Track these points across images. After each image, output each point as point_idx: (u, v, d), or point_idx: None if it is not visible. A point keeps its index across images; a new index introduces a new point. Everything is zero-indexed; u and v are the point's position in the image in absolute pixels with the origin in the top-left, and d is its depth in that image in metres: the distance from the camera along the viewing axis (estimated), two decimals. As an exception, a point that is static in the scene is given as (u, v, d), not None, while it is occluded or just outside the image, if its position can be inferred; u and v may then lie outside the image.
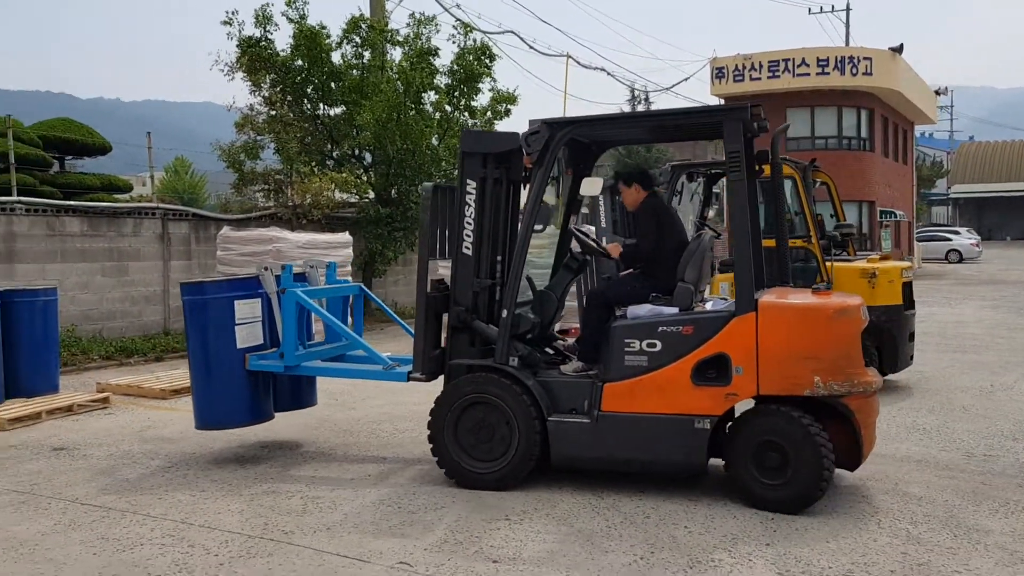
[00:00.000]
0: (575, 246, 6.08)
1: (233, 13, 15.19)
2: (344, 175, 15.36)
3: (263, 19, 15.41)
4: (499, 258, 5.87)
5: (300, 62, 15.50)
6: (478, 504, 5.24)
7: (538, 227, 5.72)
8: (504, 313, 5.54)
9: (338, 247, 12.39)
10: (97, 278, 12.31)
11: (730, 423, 5.28)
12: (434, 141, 15.64)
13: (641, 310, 5.48)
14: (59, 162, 18.14)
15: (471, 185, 5.74)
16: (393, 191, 15.97)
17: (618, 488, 5.49)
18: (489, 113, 16.38)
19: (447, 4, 21.44)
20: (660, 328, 5.26)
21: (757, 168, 5.79)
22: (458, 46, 16.13)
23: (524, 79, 32.93)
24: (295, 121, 15.63)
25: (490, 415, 5.48)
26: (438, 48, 15.70)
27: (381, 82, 14.95)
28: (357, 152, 16.59)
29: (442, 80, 16.00)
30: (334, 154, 16.59)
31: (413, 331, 6.02)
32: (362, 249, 15.72)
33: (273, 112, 15.72)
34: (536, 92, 26.75)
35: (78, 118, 19.81)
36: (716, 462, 5.38)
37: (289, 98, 15.87)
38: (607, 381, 5.34)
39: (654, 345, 5.26)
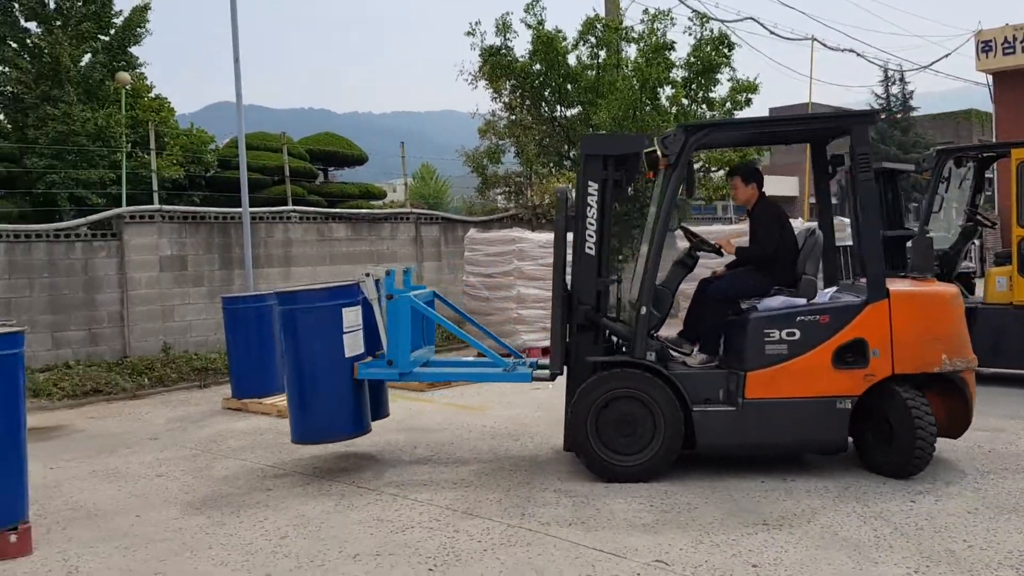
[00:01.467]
0: (686, 243, 6.32)
1: (476, 24, 15.90)
2: (581, 175, 15.58)
3: (503, 28, 15.98)
4: (620, 257, 6.02)
5: (538, 66, 15.91)
6: (733, 508, 5.13)
7: (671, 227, 5.99)
8: (643, 310, 5.72)
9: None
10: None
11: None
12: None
13: (773, 302, 5.83)
14: (323, 173, 19.80)
15: (593, 187, 5.88)
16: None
17: (886, 498, 5.17)
18: (728, 104, 15.95)
19: (682, -3, 21.08)
20: (798, 318, 5.66)
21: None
22: (694, 37, 15.85)
23: (765, 67, 31.75)
24: (534, 124, 16.07)
25: (632, 409, 5.63)
26: (674, 42, 15.50)
27: (616, 80, 15.02)
28: (594, 152, 16.75)
29: (678, 74, 15.79)
30: (571, 154, 16.87)
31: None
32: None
33: (513, 116, 16.26)
34: (778, 79, 25.73)
35: (336, 132, 21.52)
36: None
37: (528, 102, 16.34)
38: (748, 370, 5.63)
39: (793, 334, 5.64)
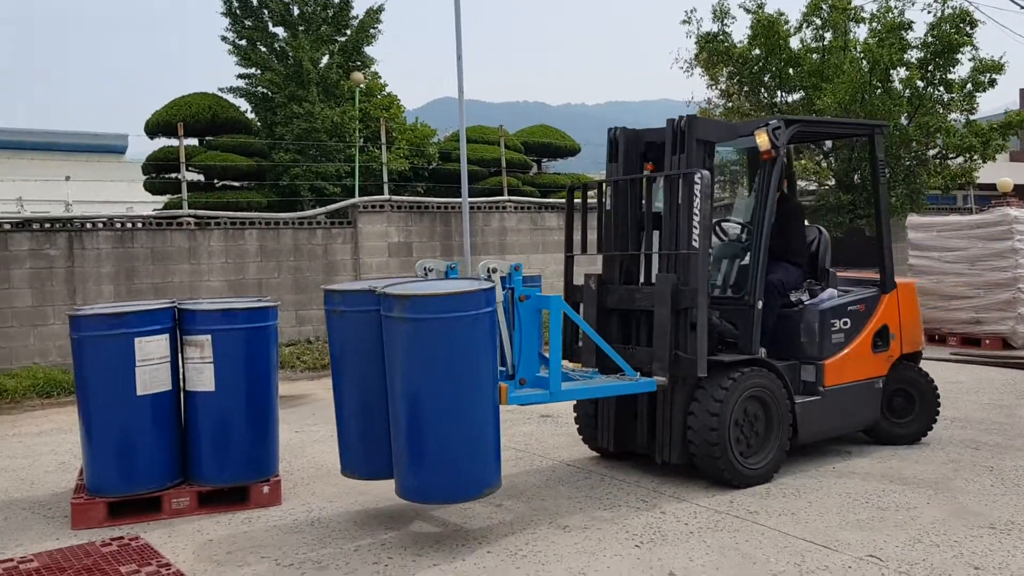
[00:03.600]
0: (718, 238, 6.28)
1: (691, 12, 15.69)
2: (803, 162, 15.02)
3: (720, 14, 15.66)
4: (710, 251, 5.53)
5: (757, 51, 15.47)
6: (957, 509, 4.87)
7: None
8: (759, 305, 5.58)
9: (796, 236, 12.14)
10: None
11: None
12: (903, 120, 14.58)
13: (825, 294, 6.18)
14: (537, 164, 20.31)
15: (702, 176, 5.25)
16: (856, 176, 15.21)
17: None
18: (969, 85, 14.77)
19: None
20: (849, 308, 6.10)
21: None
22: (934, 15, 14.78)
23: (1013, 45, 28.96)
24: (752, 111, 15.65)
25: (753, 409, 5.46)
26: (911, 21, 14.54)
27: (843, 63, 14.32)
28: (816, 138, 16.10)
29: (913, 55, 14.81)
30: (791, 142, 16.31)
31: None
32: (820, 239, 15.28)
33: (730, 104, 15.92)
34: (1027, 57, 23.38)
35: (550, 123, 21.95)
36: None
37: (746, 89, 15.94)
38: (825, 359, 5.90)
39: (847, 323, 6.07)
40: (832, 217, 15.06)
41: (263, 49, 16.09)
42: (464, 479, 4.34)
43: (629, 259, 5.81)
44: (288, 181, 14.13)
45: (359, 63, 16.51)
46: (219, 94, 15.11)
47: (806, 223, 6.70)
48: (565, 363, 5.20)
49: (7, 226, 9.72)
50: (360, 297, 4.76)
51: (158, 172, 14.12)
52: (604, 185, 6.05)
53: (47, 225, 9.94)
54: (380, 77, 17.83)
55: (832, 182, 15.49)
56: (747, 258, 5.93)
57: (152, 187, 14.52)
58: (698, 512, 4.97)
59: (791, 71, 15.47)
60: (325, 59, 15.97)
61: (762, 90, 15.94)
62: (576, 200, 6.24)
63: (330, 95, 15.61)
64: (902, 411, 6.42)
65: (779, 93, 15.99)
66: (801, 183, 15.99)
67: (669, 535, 4.60)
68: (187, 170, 12.48)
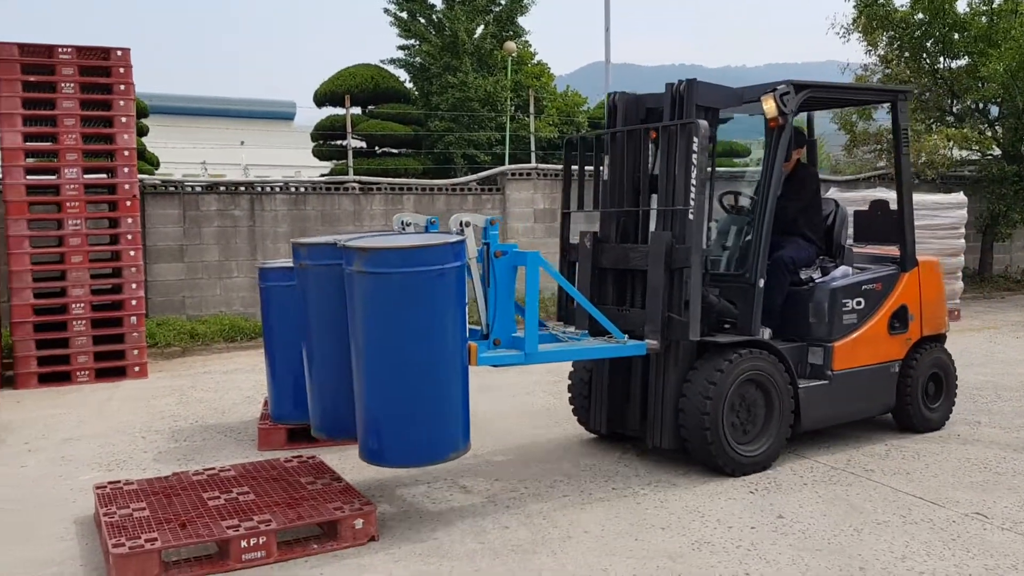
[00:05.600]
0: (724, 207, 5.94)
1: (850, -27, 15.25)
2: (964, 131, 14.44)
3: (881, -25, 15.16)
4: (711, 224, 5.31)
5: (920, 15, 14.91)
6: (1079, 479, 4.97)
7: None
8: (760, 283, 5.24)
9: (949, 208, 11.82)
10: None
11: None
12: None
13: (838, 272, 5.83)
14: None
15: (699, 126, 4.90)
16: (1023, 147, 14.50)
17: None
18: None
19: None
20: (864, 287, 5.75)
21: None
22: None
23: None
24: (910, 78, 15.13)
25: (751, 392, 5.13)
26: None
27: (1013, 27, 13.63)
28: (981, 106, 15.39)
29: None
30: (954, 109, 15.65)
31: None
32: (982, 211, 14.70)
33: (888, 71, 15.44)
34: None
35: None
36: None
37: (906, 54, 15.40)
38: (834, 341, 5.57)
39: (860, 303, 5.72)
40: (995, 189, 14.47)
41: (422, 21, 16.92)
42: (426, 442, 4.11)
43: (626, 217, 5.46)
44: (442, 148, 14.92)
45: (512, 33, 17.07)
46: (381, 65, 16.05)
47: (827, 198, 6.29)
48: (558, 324, 5.17)
49: (199, 188, 10.90)
50: (325, 251, 4.46)
51: (324, 139, 15.23)
52: (602, 139, 5.59)
53: (232, 188, 11.06)
54: (531, 46, 18.37)
55: (997, 152, 14.81)
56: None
57: (320, 153, 15.67)
58: (815, 467, 5.27)
59: (955, 36, 14.83)
60: (480, 29, 16.62)
61: (923, 56, 15.37)
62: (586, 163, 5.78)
63: (483, 65, 16.25)
64: (935, 396, 6.10)
65: (942, 59, 15.38)
66: (963, 153, 15.38)
67: (784, 485, 4.95)
68: (351, 138, 13.42)
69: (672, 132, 5.08)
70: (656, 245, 5.00)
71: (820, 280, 5.75)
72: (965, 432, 6.04)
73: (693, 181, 4.90)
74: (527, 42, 18.00)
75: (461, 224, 4.41)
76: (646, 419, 5.24)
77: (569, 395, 5.95)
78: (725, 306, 5.30)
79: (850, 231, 6.37)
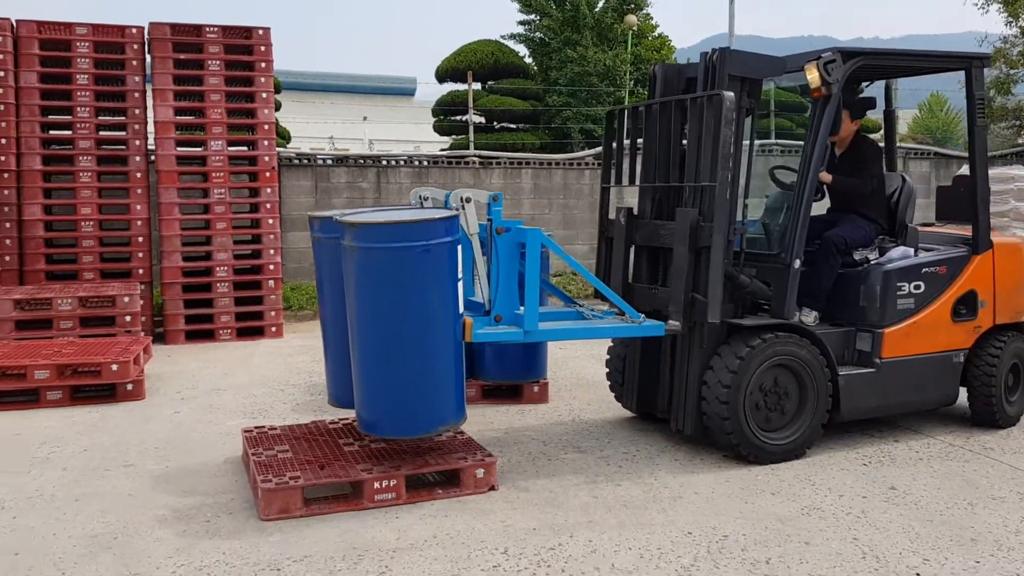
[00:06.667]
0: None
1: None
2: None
3: (1028, -60, 14.39)
4: (744, 203, 4.94)
5: (1068, -17, 14.11)
6: None
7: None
8: (796, 264, 4.96)
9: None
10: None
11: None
12: None
13: (896, 252, 5.44)
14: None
15: (725, 97, 4.65)
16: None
17: None
18: None
19: None
20: (924, 270, 5.37)
21: None
22: None
23: None
24: (1055, 50, 14.35)
25: (784, 378, 4.88)
26: None
27: None
28: None
29: None
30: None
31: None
32: None
33: (1030, 42, 14.68)
34: None
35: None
36: None
37: (1051, 24, 14.60)
38: (885, 327, 5.22)
39: (919, 287, 5.34)
40: None
41: (543, -4, 17.06)
42: (416, 414, 4.20)
43: (663, 192, 5.20)
44: (560, 123, 15.08)
45: (633, 5, 17.01)
46: (501, 40, 16.31)
47: (888, 171, 5.91)
48: (586, 301, 4.90)
49: (329, 161, 11.46)
50: (334, 224, 4.44)
51: (445, 115, 15.63)
52: (644, 111, 5.37)
53: (360, 161, 11.57)
54: (652, 18, 18.24)
55: None
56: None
57: (440, 128, 16.09)
58: (932, 444, 5.26)
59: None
60: (601, 3, 16.64)
61: (1070, 27, 14.53)
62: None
63: (603, 39, 16.28)
64: (1013, 388, 5.66)
65: (1090, 29, 14.50)
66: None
67: (898, 459, 4.97)
68: (472, 113, 13.75)
69: (700, 104, 4.86)
70: (681, 223, 4.81)
71: (875, 262, 5.42)
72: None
73: (720, 156, 4.67)
74: (648, 15, 17.89)
75: (462, 200, 4.45)
76: (672, 402, 5.14)
77: (606, 371, 5.89)
78: (758, 287, 5.01)
79: (924, 209, 6.12)
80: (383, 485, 4.24)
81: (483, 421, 5.77)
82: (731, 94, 4.66)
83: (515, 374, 6.31)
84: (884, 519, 4.05)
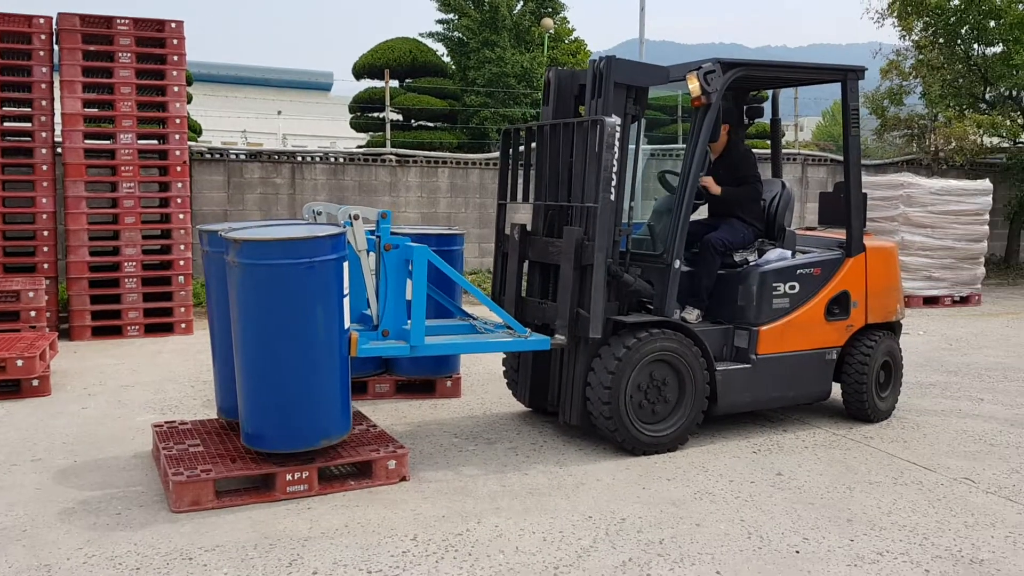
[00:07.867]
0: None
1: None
2: (995, 118, 14.53)
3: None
4: (630, 205, 5.28)
5: (956, 2, 14.95)
6: (1068, 452, 5.28)
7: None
8: (676, 264, 5.23)
9: (974, 195, 11.99)
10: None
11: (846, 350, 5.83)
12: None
13: (773, 254, 5.74)
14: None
15: (606, 123, 4.85)
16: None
17: None
18: None
19: None
20: (799, 271, 5.65)
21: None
22: None
23: None
24: (944, 64, 15.20)
25: (663, 373, 5.10)
26: None
27: (1049, 15, 13.66)
28: (1014, 94, 15.43)
29: None
30: (987, 96, 15.70)
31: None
32: (1010, 199, 14.82)
33: (921, 56, 15.52)
34: None
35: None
36: None
37: (940, 40, 15.46)
38: (761, 325, 5.50)
39: (794, 288, 5.62)
40: (1024, 176, 14.57)
41: (462, -4, 17.19)
42: (299, 429, 4.27)
43: (554, 210, 5.35)
44: (477, 123, 15.25)
45: (550, 9, 17.30)
46: (419, 39, 16.37)
47: (773, 177, 6.25)
48: (483, 314, 5.24)
49: (243, 156, 11.37)
50: (219, 238, 4.45)
51: (362, 111, 15.62)
52: (537, 130, 5.49)
53: (274, 157, 11.51)
54: (569, 22, 18.57)
55: (1028, 139, 14.90)
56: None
57: (357, 125, 16.07)
58: (817, 433, 5.63)
59: (991, 23, 14.87)
60: (519, 5, 16.86)
61: (958, 42, 15.42)
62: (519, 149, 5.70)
63: (521, 41, 16.52)
64: (884, 385, 5.98)
65: (976, 46, 15.42)
66: (993, 140, 15.46)
67: (786, 447, 5.31)
68: (389, 111, 13.79)
69: (585, 127, 5.02)
70: (567, 241, 4.99)
71: (754, 263, 5.69)
72: (967, 407, 6.35)
73: (601, 180, 4.87)
74: (565, 18, 18.21)
75: (350, 217, 4.52)
76: (560, 397, 5.31)
77: (503, 368, 6.06)
78: (642, 285, 5.20)
79: (801, 214, 6.37)
80: (295, 477, 4.33)
81: (396, 415, 5.90)
82: (613, 120, 4.86)
83: (429, 369, 6.44)
84: (770, 502, 4.35)
